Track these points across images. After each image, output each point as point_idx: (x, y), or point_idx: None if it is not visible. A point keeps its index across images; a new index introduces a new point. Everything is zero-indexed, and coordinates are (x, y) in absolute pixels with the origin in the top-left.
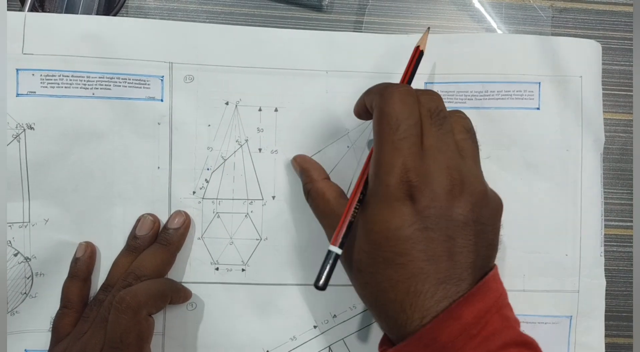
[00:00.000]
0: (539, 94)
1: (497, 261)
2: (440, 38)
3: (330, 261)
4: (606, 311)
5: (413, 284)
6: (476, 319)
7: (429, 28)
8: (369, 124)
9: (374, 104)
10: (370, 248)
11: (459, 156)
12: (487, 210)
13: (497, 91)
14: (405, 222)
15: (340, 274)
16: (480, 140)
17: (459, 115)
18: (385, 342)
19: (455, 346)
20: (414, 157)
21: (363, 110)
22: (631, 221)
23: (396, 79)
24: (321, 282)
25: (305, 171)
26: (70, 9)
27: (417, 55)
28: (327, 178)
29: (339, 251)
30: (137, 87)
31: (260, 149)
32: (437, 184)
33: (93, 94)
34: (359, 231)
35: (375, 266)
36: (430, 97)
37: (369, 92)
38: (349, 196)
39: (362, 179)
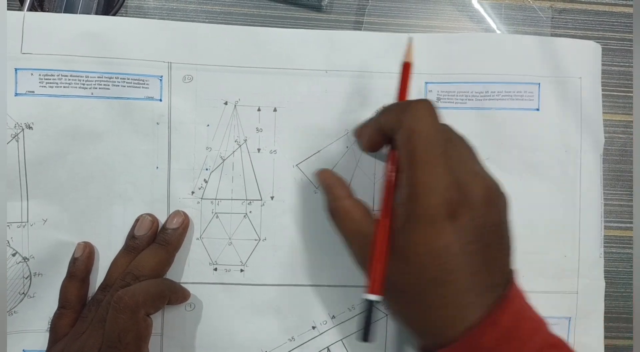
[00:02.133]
0: (539, 95)
1: None
2: (441, 37)
3: (372, 311)
4: (605, 313)
5: (463, 298)
6: (513, 322)
7: (410, 38)
8: None
9: (400, 124)
10: (414, 270)
11: (475, 161)
12: (507, 207)
13: (498, 92)
14: (452, 240)
15: (341, 274)
16: (480, 141)
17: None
18: None
19: (496, 350)
20: (450, 173)
21: (379, 137)
22: (631, 223)
23: (396, 78)
24: (369, 336)
25: (330, 188)
26: (70, 8)
27: (408, 70)
28: (352, 195)
29: (380, 298)
30: (135, 87)
31: (259, 149)
32: (474, 195)
33: (92, 93)
34: (396, 255)
35: (421, 286)
36: None
37: (387, 114)
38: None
39: (388, 207)
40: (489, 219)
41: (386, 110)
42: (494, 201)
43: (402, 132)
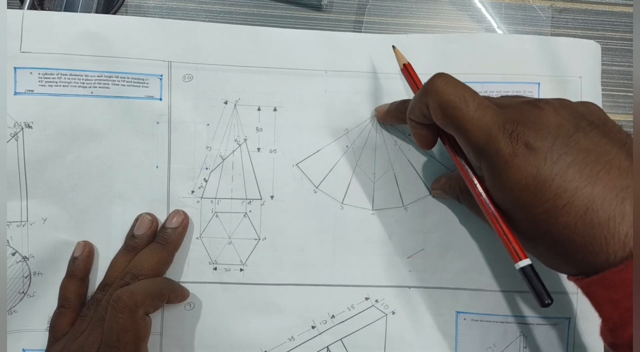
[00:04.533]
0: (539, 95)
1: (495, 261)
2: (440, 38)
3: (534, 275)
4: None
5: (594, 216)
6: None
7: (393, 46)
8: (367, 124)
9: (427, 106)
10: (528, 214)
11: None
12: (590, 108)
13: (497, 91)
14: (536, 165)
15: (340, 273)
16: None
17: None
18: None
19: (627, 288)
20: (494, 112)
21: (424, 131)
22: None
23: (395, 78)
24: (546, 299)
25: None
26: (70, 7)
27: (411, 70)
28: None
29: (529, 261)
30: (135, 86)
31: (259, 149)
32: (527, 115)
33: (91, 92)
34: (508, 207)
35: (542, 224)
36: None
37: (412, 108)
38: None
39: (472, 180)
40: (565, 122)
41: (410, 107)
42: (567, 104)
43: (432, 111)
